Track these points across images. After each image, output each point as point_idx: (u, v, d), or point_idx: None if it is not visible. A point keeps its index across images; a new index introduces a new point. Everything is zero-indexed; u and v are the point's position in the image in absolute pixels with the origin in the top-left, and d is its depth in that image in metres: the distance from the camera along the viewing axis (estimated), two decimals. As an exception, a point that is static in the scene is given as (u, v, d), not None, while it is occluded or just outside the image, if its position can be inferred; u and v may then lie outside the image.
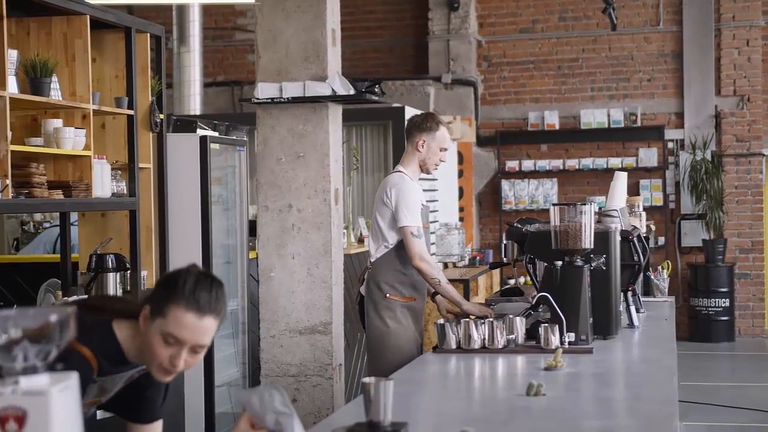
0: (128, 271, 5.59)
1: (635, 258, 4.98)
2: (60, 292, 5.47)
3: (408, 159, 5.25)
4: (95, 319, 2.67)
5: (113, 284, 5.42)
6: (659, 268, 6.42)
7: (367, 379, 2.75)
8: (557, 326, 4.18)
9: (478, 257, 10.65)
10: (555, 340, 4.15)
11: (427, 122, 5.26)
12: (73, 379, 1.80)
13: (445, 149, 5.28)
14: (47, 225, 8.36)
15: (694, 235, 12.46)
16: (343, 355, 5.85)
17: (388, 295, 5.17)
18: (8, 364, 1.77)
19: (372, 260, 5.31)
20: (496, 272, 10.93)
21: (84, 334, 2.50)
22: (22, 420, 1.73)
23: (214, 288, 2.61)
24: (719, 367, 11.10)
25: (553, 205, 4.45)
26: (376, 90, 5.83)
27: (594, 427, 2.92)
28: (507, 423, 2.98)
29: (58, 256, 5.81)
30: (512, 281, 10.45)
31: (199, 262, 6.24)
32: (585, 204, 4.41)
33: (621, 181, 5.55)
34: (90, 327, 2.61)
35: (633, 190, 12.20)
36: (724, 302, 12.09)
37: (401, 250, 5.16)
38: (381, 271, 5.22)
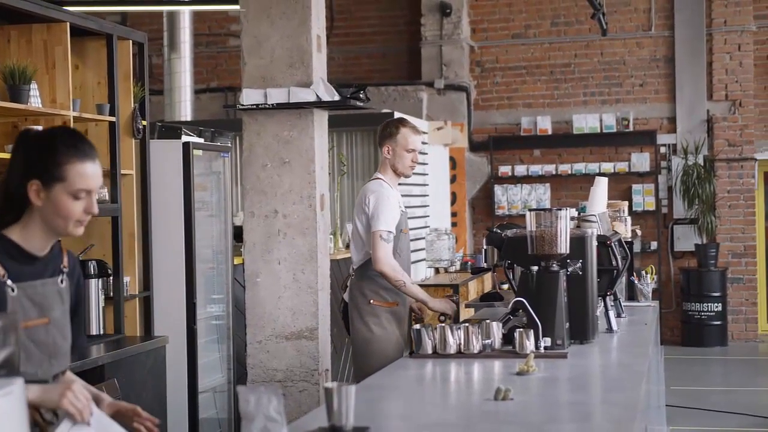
0: (110, 278, 5.61)
1: (614, 263, 4.99)
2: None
3: (383, 166, 5.38)
4: None
5: (95, 290, 5.43)
6: (643, 272, 6.42)
7: (328, 384, 2.78)
8: (533, 331, 4.20)
9: (470, 262, 10.66)
10: (530, 345, 4.16)
11: (387, 128, 5.37)
12: (17, 385, 1.82)
13: (413, 150, 5.33)
14: None
15: (686, 239, 12.47)
16: (330, 360, 5.86)
17: (372, 301, 5.23)
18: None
19: (354, 267, 5.35)
20: (488, 277, 10.94)
21: None
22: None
23: (81, 135, 2.80)
24: (711, 372, 11.10)
25: (530, 210, 4.46)
26: (360, 96, 5.84)
27: (555, 430, 2.94)
28: (469, 427, 3.00)
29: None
30: (505, 286, 10.45)
31: (183, 268, 6.28)
32: (561, 209, 4.42)
33: (601, 186, 5.57)
34: None
35: (625, 195, 12.23)
36: (716, 307, 12.09)
37: None
38: (364, 277, 5.28)
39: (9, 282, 2.65)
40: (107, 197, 5.61)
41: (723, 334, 12.19)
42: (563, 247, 4.37)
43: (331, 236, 8.40)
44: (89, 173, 2.71)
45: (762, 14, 12.58)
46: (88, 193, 2.72)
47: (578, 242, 4.52)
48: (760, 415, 8.35)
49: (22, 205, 2.72)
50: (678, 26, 12.55)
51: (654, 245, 12.44)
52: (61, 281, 2.83)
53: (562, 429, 2.98)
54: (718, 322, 12.13)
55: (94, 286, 5.45)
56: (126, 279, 5.79)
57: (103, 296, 5.53)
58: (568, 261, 4.46)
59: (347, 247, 8.59)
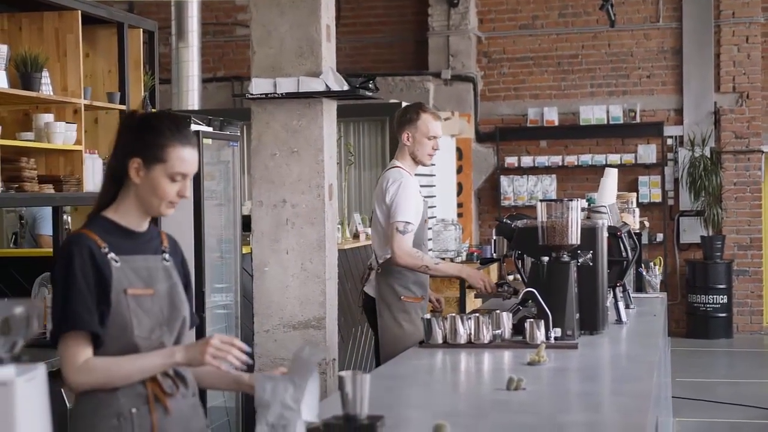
0: (120, 265, 5.61)
1: (623, 254, 4.99)
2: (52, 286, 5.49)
3: (401, 154, 5.25)
4: (87, 221, 2.89)
5: (105, 278, 5.43)
6: (651, 264, 6.43)
7: (343, 373, 2.78)
8: (543, 321, 4.20)
9: (476, 253, 10.65)
10: (540, 336, 4.16)
11: (407, 114, 5.24)
12: (39, 370, 1.82)
13: (433, 137, 5.21)
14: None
15: (692, 231, 12.47)
16: (337, 350, 5.86)
17: (402, 297, 5.15)
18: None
19: (380, 261, 5.25)
20: (495, 268, 10.94)
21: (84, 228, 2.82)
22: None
23: (184, 121, 2.91)
24: (716, 364, 11.12)
25: (541, 200, 4.46)
26: (369, 86, 5.83)
27: (568, 421, 2.95)
28: (483, 416, 3.00)
29: (51, 251, 5.83)
30: (511, 277, 10.44)
31: (192, 257, 6.28)
32: (572, 200, 4.41)
33: (611, 177, 5.57)
34: (85, 225, 2.85)
35: (632, 187, 12.22)
36: (722, 299, 12.10)
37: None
38: (393, 272, 5.17)
39: (111, 255, 2.76)
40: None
41: (728, 326, 12.20)
42: (574, 237, 4.37)
43: (339, 226, 8.41)
44: (188, 158, 2.82)
45: (770, 6, 12.57)
46: (184, 176, 2.82)
47: (589, 233, 4.52)
48: (765, 407, 8.36)
49: (120, 183, 2.83)
50: (686, 18, 12.53)
51: (660, 237, 12.44)
52: (164, 260, 2.92)
53: (575, 419, 2.99)
54: (724, 314, 12.13)
55: (104, 274, 5.44)
56: (135, 267, 5.79)
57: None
58: (579, 252, 4.46)
59: (355, 237, 8.60)
